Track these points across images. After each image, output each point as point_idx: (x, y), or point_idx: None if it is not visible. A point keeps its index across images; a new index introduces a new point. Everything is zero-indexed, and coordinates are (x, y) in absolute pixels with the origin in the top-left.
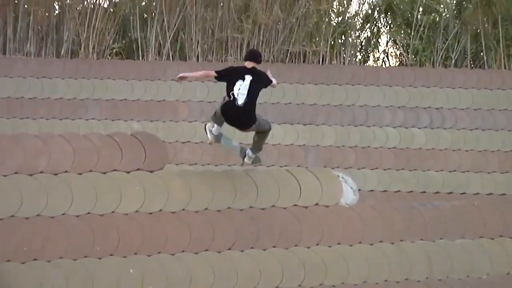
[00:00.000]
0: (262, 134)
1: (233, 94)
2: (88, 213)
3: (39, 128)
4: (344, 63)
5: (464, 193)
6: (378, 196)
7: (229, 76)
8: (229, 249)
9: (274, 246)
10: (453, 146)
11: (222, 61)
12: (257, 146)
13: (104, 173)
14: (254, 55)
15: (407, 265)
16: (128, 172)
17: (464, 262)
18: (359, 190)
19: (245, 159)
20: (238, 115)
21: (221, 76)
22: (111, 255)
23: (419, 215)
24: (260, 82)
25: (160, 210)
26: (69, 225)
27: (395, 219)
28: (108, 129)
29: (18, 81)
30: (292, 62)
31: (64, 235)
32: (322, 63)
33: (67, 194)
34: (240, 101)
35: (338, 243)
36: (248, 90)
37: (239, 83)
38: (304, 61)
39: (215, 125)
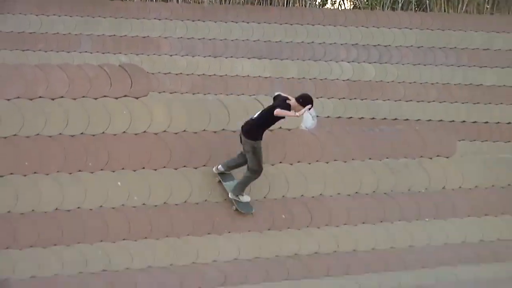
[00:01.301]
0: (246, 175)
1: None
2: (82, 133)
3: (39, 59)
4: (305, 6)
5: (407, 119)
6: (333, 122)
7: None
8: (204, 165)
9: None
10: (399, 79)
11: (199, 2)
12: (237, 185)
13: (96, 99)
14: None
15: (357, 180)
16: (116, 98)
17: (406, 178)
18: (317, 116)
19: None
20: (244, 124)
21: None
22: (101, 170)
23: (368, 138)
24: (268, 110)
25: (144, 131)
26: (65, 144)
27: (348, 141)
28: (99, 61)
29: (20, 17)
30: (260, 4)
31: (60, 152)
32: (286, 5)
33: (63, 117)
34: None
35: (298, 162)
36: (260, 113)
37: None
38: (271, 4)
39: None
